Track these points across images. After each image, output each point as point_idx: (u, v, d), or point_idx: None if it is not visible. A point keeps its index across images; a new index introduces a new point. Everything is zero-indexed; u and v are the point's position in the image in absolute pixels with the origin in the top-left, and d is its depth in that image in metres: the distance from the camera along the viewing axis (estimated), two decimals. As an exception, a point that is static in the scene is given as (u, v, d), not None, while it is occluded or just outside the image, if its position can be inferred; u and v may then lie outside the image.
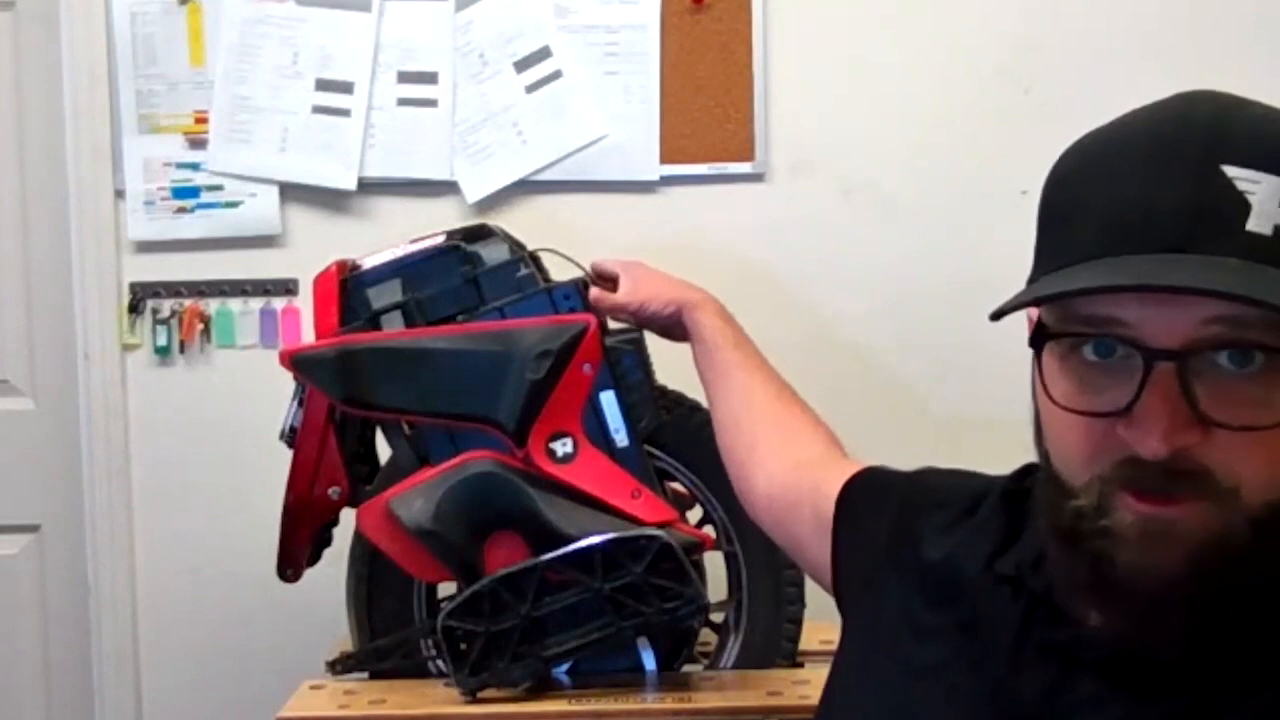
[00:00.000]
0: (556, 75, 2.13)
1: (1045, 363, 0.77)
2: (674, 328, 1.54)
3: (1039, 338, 0.77)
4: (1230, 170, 0.71)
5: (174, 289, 2.17)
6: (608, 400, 1.60)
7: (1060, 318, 0.76)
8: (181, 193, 2.16)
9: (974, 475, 1.01)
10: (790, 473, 1.20)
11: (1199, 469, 0.71)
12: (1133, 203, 0.73)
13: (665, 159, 2.14)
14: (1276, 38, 2.13)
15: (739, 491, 1.30)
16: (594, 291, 1.61)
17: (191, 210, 2.16)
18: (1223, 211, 0.71)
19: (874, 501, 1.05)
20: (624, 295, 1.57)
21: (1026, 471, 0.92)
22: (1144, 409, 0.71)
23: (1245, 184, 0.71)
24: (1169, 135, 0.74)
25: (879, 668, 0.92)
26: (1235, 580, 0.72)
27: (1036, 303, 0.76)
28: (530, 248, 1.70)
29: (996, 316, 0.78)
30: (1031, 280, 0.80)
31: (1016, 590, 0.85)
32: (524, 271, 1.63)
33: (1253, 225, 0.70)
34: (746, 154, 2.15)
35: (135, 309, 2.17)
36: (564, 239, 1.73)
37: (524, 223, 1.95)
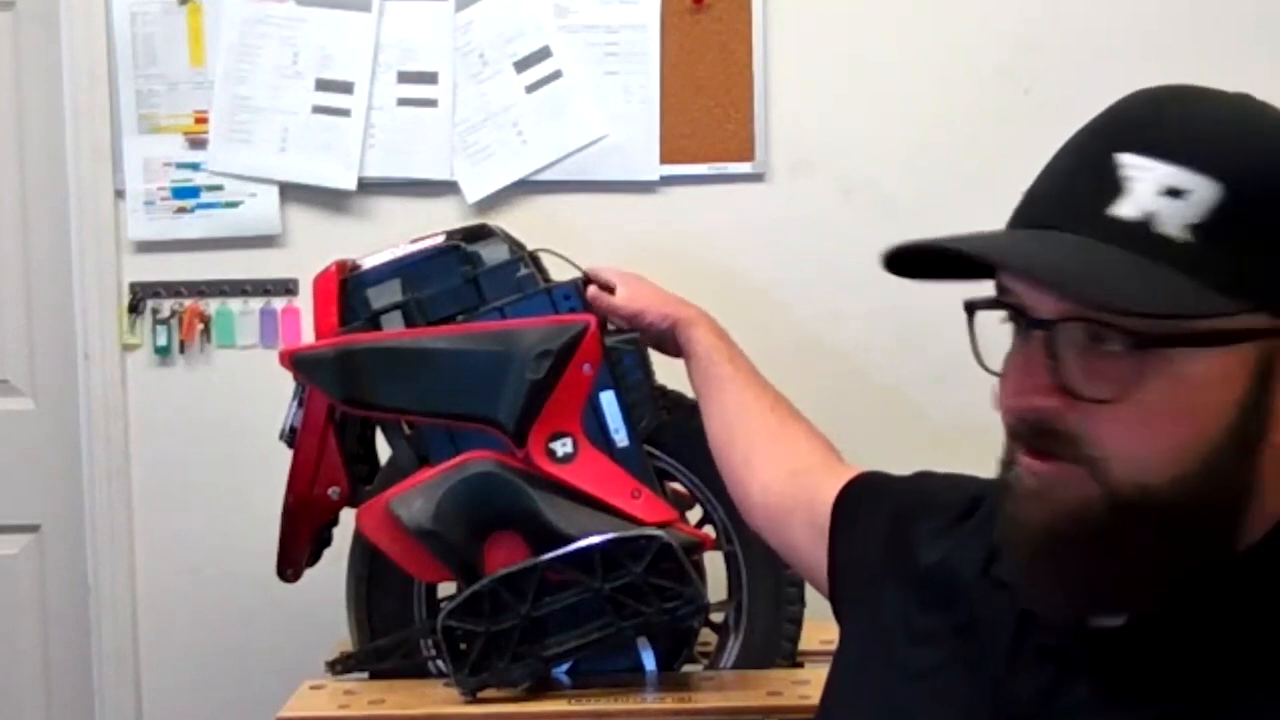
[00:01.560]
0: (556, 75, 2.13)
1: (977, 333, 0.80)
2: (667, 341, 1.55)
3: (969, 306, 0.81)
4: (1123, 156, 0.73)
5: (174, 289, 2.17)
6: (608, 400, 1.60)
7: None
8: (181, 193, 2.16)
9: (970, 478, 1.01)
10: (786, 481, 1.20)
11: (1064, 432, 0.73)
12: (1038, 181, 0.78)
13: (665, 159, 2.14)
14: (1276, 38, 2.13)
15: (737, 501, 1.31)
16: (592, 290, 1.61)
17: (191, 210, 2.16)
18: (1093, 194, 0.73)
19: (870, 507, 1.05)
20: (622, 300, 1.59)
21: None
22: (1009, 369, 0.76)
23: (1132, 170, 0.72)
24: (1093, 124, 0.77)
25: (876, 672, 0.92)
26: (1096, 551, 0.73)
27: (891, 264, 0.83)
28: (530, 248, 1.70)
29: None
30: None
31: (1013, 594, 0.84)
32: (524, 271, 1.63)
33: (1117, 209, 0.72)
34: (746, 154, 2.15)
35: (135, 309, 2.17)
36: (564, 239, 1.74)
37: (524, 223, 1.95)
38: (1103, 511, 0.72)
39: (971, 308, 0.81)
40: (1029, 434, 0.75)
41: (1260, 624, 0.74)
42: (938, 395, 2.11)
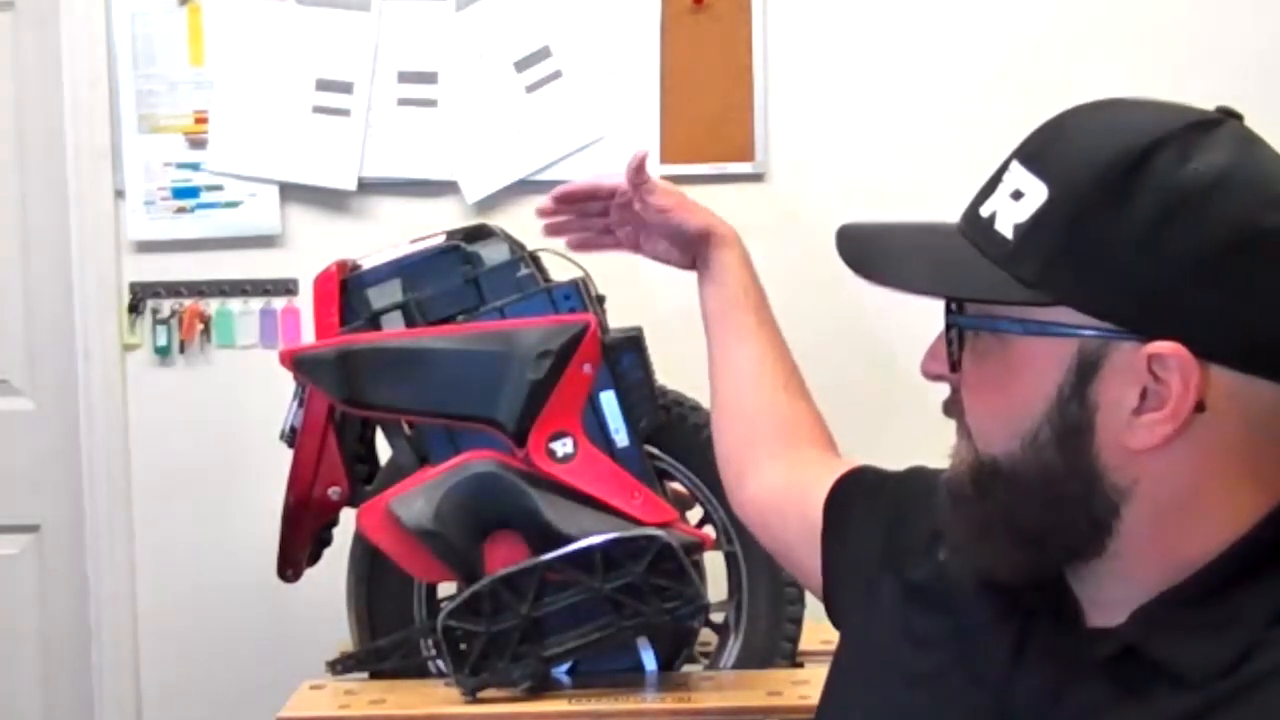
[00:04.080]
0: (556, 75, 2.14)
1: None
2: (688, 251, 1.38)
3: None
4: (1015, 163, 0.79)
5: (174, 289, 2.17)
6: (608, 400, 1.60)
7: None
8: (181, 193, 2.16)
9: None
10: (783, 475, 1.17)
11: (958, 404, 0.83)
12: None
13: (665, 159, 2.14)
14: (1275, 37, 2.14)
15: (725, 480, 1.25)
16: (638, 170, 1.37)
17: (191, 210, 2.16)
18: (982, 195, 0.80)
19: (863, 506, 1.04)
20: (663, 191, 1.37)
21: None
22: None
23: (1009, 174, 0.79)
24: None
25: (876, 676, 0.92)
26: (971, 513, 0.81)
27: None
28: (530, 248, 1.70)
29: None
30: None
31: (1014, 596, 0.84)
32: (524, 271, 1.63)
33: (983, 207, 0.79)
34: (746, 154, 2.15)
35: (135, 309, 2.17)
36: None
37: (524, 223, 1.95)
38: (965, 482, 0.81)
39: None
40: (947, 404, 0.85)
41: (1261, 620, 0.74)
42: (941, 395, 2.11)
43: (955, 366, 0.81)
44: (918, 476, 1.04)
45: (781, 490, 1.16)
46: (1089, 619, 0.80)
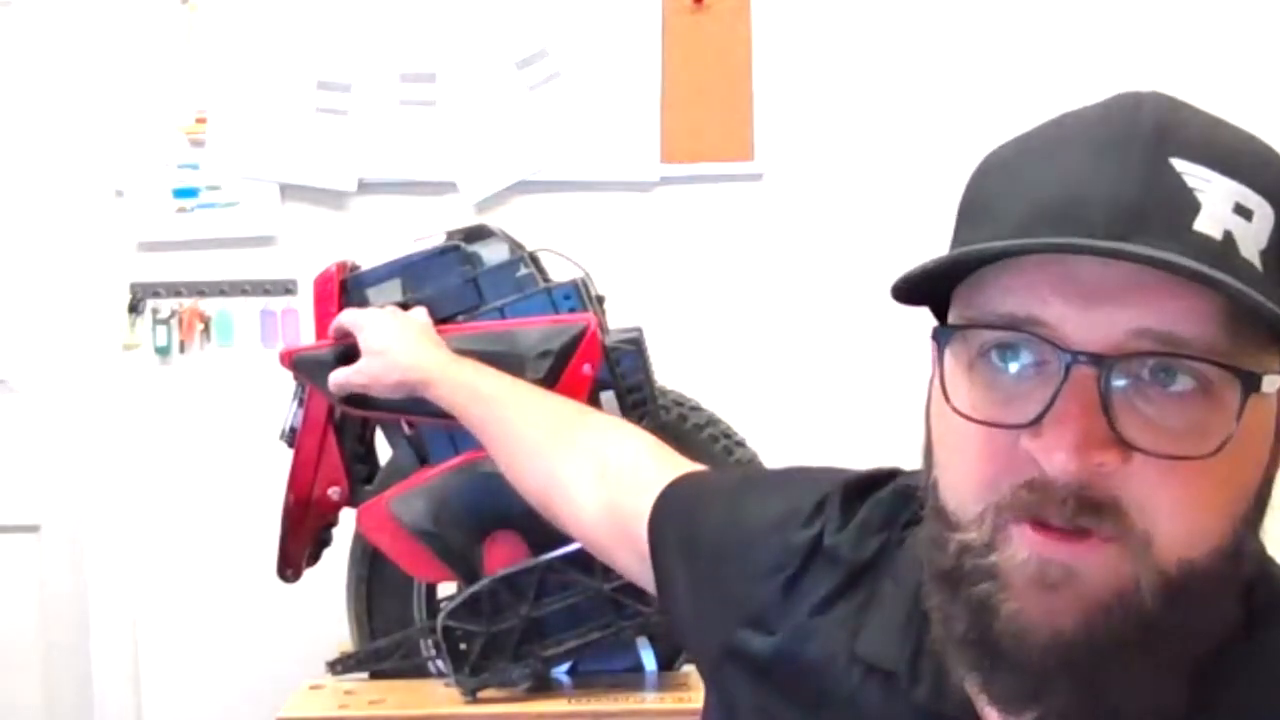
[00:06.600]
0: (556, 75, 2.14)
1: (947, 369, 0.67)
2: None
3: (945, 333, 0.67)
4: (1179, 164, 0.62)
5: (174, 289, 2.18)
6: (608, 400, 1.60)
7: (971, 317, 0.66)
8: (181, 193, 2.16)
9: (796, 492, 0.85)
10: (599, 508, 1.04)
11: (1109, 500, 0.60)
12: (1070, 185, 0.63)
13: (665, 159, 2.14)
14: (1274, 39, 2.14)
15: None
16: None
17: (191, 210, 2.16)
18: (1170, 206, 0.61)
19: (681, 548, 0.91)
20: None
21: (849, 500, 0.82)
22: (1055, 417, 0.60)
23: (1195, 181, 0.61)
24: (1116, 122, 0.65)
25: None
26: (1135, 652, 0.61)
27: (946, 273, 0.66)
28: (530, 248, 1.70)
29: (899, 293, 0.68)
30: None
31: (890, 679, 0.73)
32: (524, 271, 1.63)
33: (1201, 225, 0.60)
34: (746, 154, 2.15)
35: (135, 309, 2.17)
36: (564, 239, 1.74)
37: (524, 223, 1.95)
38: (1152, 598, 0.61)
39: (946, 337, 0.67)
40: (1067, 506, 0.61)
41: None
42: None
43: (1134, 446, 0.60)
44: (741, 509, 0.88)
45: (605, 523, 1.02)
46: (985, 714, 0.69)
